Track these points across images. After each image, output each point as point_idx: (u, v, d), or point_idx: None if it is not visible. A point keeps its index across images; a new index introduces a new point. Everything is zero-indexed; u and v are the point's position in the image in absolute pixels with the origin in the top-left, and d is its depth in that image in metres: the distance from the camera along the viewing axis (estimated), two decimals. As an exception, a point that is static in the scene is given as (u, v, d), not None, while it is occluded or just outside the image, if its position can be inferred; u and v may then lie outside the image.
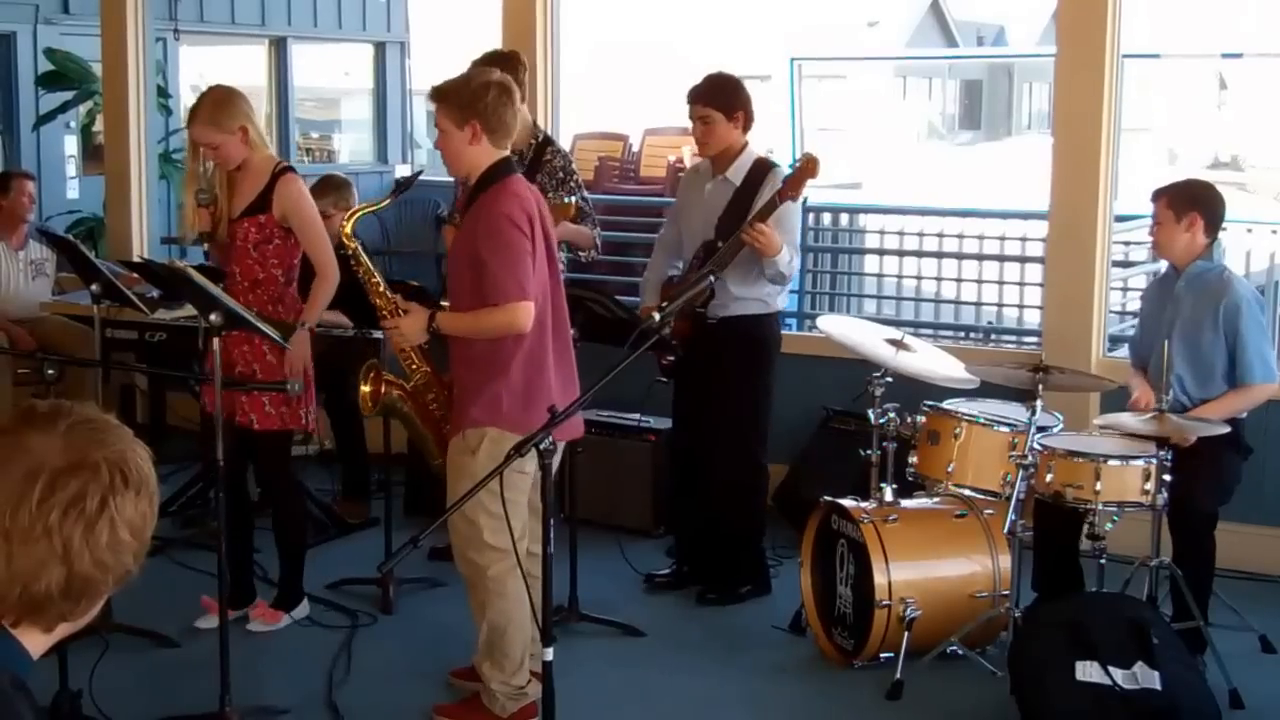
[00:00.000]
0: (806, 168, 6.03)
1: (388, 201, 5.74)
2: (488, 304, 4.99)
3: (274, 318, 5.77)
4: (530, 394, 5.02)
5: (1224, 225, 6.05)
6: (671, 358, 6.46)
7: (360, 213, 5.66)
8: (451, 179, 5.69)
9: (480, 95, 5.02)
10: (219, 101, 5.81)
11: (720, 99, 6.35)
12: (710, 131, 6.37)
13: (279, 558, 6.25)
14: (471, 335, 5.15)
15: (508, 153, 5.15)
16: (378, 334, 6.12)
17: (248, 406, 5.86)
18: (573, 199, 6.57)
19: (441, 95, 5.09)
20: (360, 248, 5.44)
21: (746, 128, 6.42)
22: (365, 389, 5.48)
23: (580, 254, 6.77)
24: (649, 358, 6.31)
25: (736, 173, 6.37)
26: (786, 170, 6.17)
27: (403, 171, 16.62)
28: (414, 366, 5.50)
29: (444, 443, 5.42)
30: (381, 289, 5.37)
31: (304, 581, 6.28)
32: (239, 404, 5.85)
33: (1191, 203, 5.84)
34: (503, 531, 4.80)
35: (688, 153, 14.96)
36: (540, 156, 6.62)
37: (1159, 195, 5.90)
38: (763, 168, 6.35)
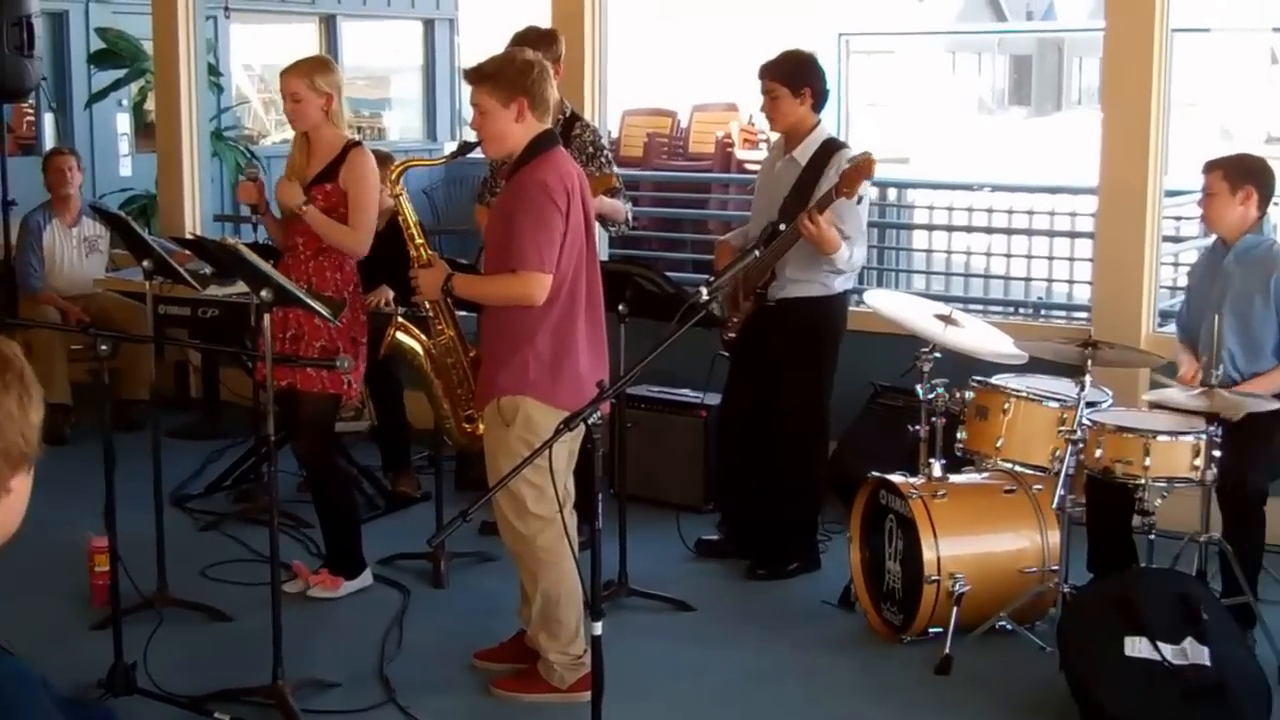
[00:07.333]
0: (862, 167, 5.90)
1: (442, 160, 5.88)
2: (508, 269, 5.03)
3: (330, 288, 5.87)
4: (558, 366, 5.06)
5: (1275, 200, 6.02)
6: (733, 335, 6.48)
7: (412, 164, 5.86)
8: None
9: (526, 72, 5.06)
10: (321, 63, 6.17)
11: (785, 73, 6.32)
12: (775, 106, 6.34)
13: (330, 526, 6.29)
14: (483, 300, 5.24)
15: (549, 125, 5.18)
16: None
17: (293, 370, 5.90)
18: (612, 169, 6.58)
19: (485, 76, 5.09)
20: (405, 196, 5.56)
21: (817, 106, 6.38)
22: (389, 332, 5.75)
23: (610, 228, 6.78)
24: (709, 335, 6.33)
25: (804, 153, 6.34)
26: (852, 152, 6.10)
27: (452, 149, 16.65)
28: (440, 328, 5.59)
29: (456, 407, 5.62)
30: (418, 241, 5.46)
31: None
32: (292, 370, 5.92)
33: (1247, 175, 5.80)
34: (545, 500, 4.84)
35: (735, 129, 14.96)
36: (569, 132, 6.58)
37: (1212, 167, 5.85)
38: (829, 149, 6.29)
